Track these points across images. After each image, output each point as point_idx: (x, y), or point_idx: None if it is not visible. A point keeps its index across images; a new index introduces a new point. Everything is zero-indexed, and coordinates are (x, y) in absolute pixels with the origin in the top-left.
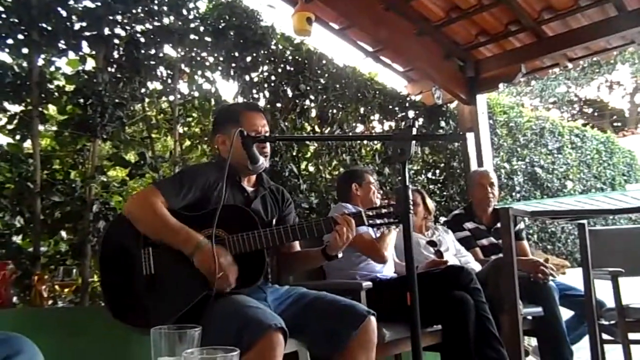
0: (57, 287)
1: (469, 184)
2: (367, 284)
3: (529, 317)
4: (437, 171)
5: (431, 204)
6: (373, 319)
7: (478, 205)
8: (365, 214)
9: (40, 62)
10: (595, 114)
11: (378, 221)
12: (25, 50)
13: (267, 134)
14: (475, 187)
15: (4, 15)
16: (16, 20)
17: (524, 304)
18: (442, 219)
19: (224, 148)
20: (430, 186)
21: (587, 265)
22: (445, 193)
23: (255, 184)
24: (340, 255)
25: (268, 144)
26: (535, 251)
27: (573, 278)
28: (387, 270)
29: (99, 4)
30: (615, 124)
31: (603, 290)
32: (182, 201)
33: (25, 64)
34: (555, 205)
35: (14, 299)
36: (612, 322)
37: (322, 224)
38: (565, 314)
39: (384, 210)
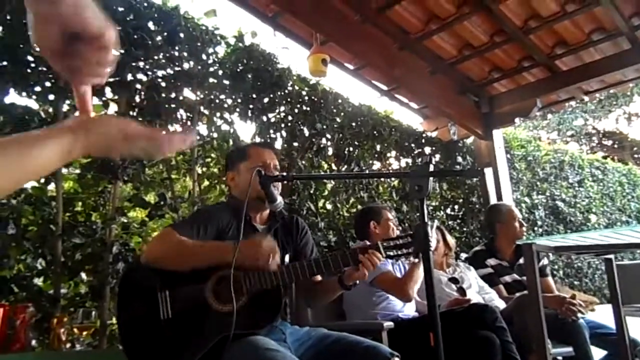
0: (75, 330)
1: (494, 219)
2: (388, 324)
3: (559, 358)
4: (456, 207)
5: (451, 240)
6: None
7: (504, 240)
8: (382, 246)
9: (65, 107)
10: (615, 146)
11: (395, 252)
12: (51, 97)
13: (277, 168)
14: (505, 223)
15: (33, 65)
16: (44, 69)
17: (553, 343)
18: (463, 255)
19: (234, 184)
20: (450, 222)
21: (617, 302)
22: (465, 229)
23: (266, 220)
24: (357, 282)
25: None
26: (562, 287)
27: (603, 315)
28: (409, 309)
29: (122, 51)
30: (636, 156)
31: (636, 328)
32: (199, 240)
33: (50, 110)
34: (580, 240)
35: (33, 342)
36: None
37: (349, 257)
38: (597, 353)
39: (400, 241)
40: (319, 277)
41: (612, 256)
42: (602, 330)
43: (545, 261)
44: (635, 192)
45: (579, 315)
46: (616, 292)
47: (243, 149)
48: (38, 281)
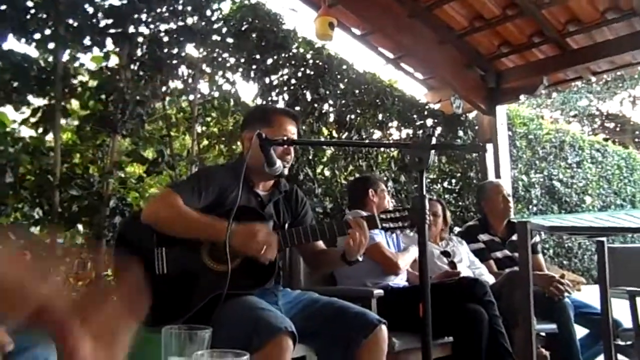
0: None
1: (481, 196)
2: (378, 292)
3: (543, 334)
4: (454, 181)
5: (448, 215)
6: (384, 327)
7: (492, 217)
8: (378, 217)
9: (65, 57)
10: (617, 129)
11: (392, 225)
12: (51, 45)
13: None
14: (489, 199)
15: (33, 11)
16: (44, 16)
17: (538, 319)
18: (457, 229)
19: (248, 146)
20: (446, 196)
21: (604, 284)
22: (460, 203)
23: (270, 188)
24: (360, 259)
25: (292, 152)
26: (551, 266)
27: (589, 295)
28: (400, 279)
29: (124, 2)
30: (637, 140)
31: (620, 310)
32: (199, 203)
33: (50, 59)
34: (574, 221)
35: None
36: (629, 342)
37: (335, 226)
38: (580, 332)
39: (397, 214)
40: (322, 245)
41: (604, 239)
42: (587, 309)
43: (537, 239)
44: (633, 176)
45: (565, 294)
46: (605, 274)
47: (268, 113)
48: (35, 230)
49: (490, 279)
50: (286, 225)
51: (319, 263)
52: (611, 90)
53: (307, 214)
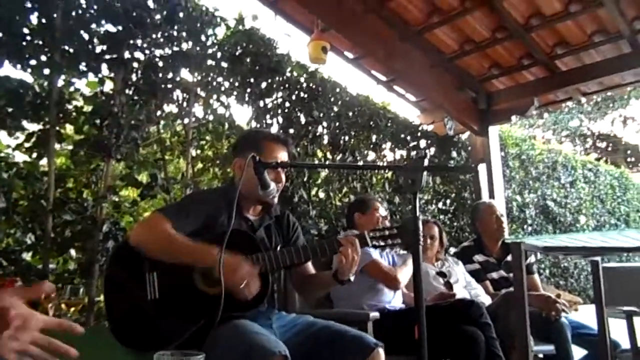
0: (63, 305)
1: (475, 216)
2: (374, 314)
3: (540, 355)
4: (448, 201)
5: (445, 237)
6: (381, 350)
7: (487, 237)
8: (368, 235)
9: (60, 82)
10: (609, 148)
11: (382, 242)
12: (46, 71)
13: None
14: (482, 220)
15: (28, 38)
16: (40, 42)
17: (535, 341)
18: (452, 250)
19: (239, 173)
20: (441, 216)
21: (600, 304)
22: (455, 224)
23: (260, 212)
24: (352, 278)
25: (283, 178)
26: (547, 286)
27: (586, 315)
28: (396, 301)
29: (120, 28)
30: (629, 160)
31: (617, 330)
32: (188, 227)
33: (45, 84)
34: (568, 241)
35: None
36: None
37: (326, 246)
38: (578, 353)
39: (387, 232)
40: (312, 270)
41: (598, 258)
42: (584, 330)
43: (532, 259)
44: (626, 195)
45: (562, 314)
46: (600, 294)
47: (258, 140)
48: (27, 256)
49: (486, 300)
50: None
51: (310, 287)
52: (602, 111)
53: (299, 238)
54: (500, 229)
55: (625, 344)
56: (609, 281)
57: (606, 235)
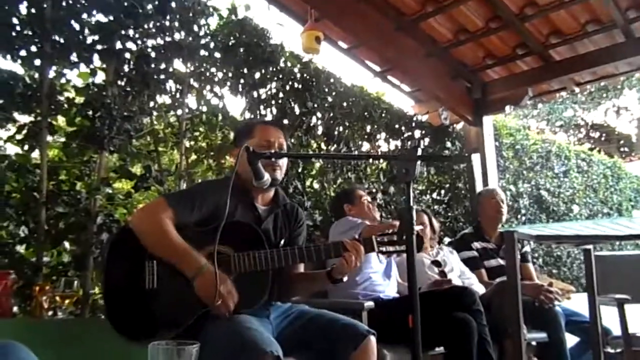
0: (57, 298)
1: (478, 202)
2: (369, 304)
3: (534, 343)
4: (442, 192)
5: (436, 224)
6: (373, 338)
7: (486, 223)
8: (376, 240)
9: (52, 74)
10: (602, 138)
11: (390, 248)
12: (37, 62)
13: (284, 147)
14: (482, 205)
15: (18, 28)
16: (30, 33)
17: (528, 329)
18: (447, 240)
19: (236, 161)
20: (435, 206)
21: (592, 292)
22: (449, 214)
23: (269, 202)
24: (345, 279)
25: (282, 162)
26: (540, 275)
27: (578, 303)
28: (390, 290)
29: (111, 18)
30: (622, 149)
31: (609, 317)
32: (192, 217)
33: (36, 76)
34: (560, 229)
35: (15, 308)
36: (618, 350)
37: (332, 248)
38: (571, 340)
39: (395, 238)
40: (301, 268)
41: (590, 247)
42: (577, 317)
43: (527, 248)
44: (619, 185)
45: (555, 302)
46: (592, 282)
47: (250, 126)
48: (20, 248)
49: (480, 289)
50: (281, 242)
51: (299, 284)
52: (595, 101)
53: (301, 235)
54: (498, 213)
55: (616, 330)
56: (601, 270)
57: (598, 224)
